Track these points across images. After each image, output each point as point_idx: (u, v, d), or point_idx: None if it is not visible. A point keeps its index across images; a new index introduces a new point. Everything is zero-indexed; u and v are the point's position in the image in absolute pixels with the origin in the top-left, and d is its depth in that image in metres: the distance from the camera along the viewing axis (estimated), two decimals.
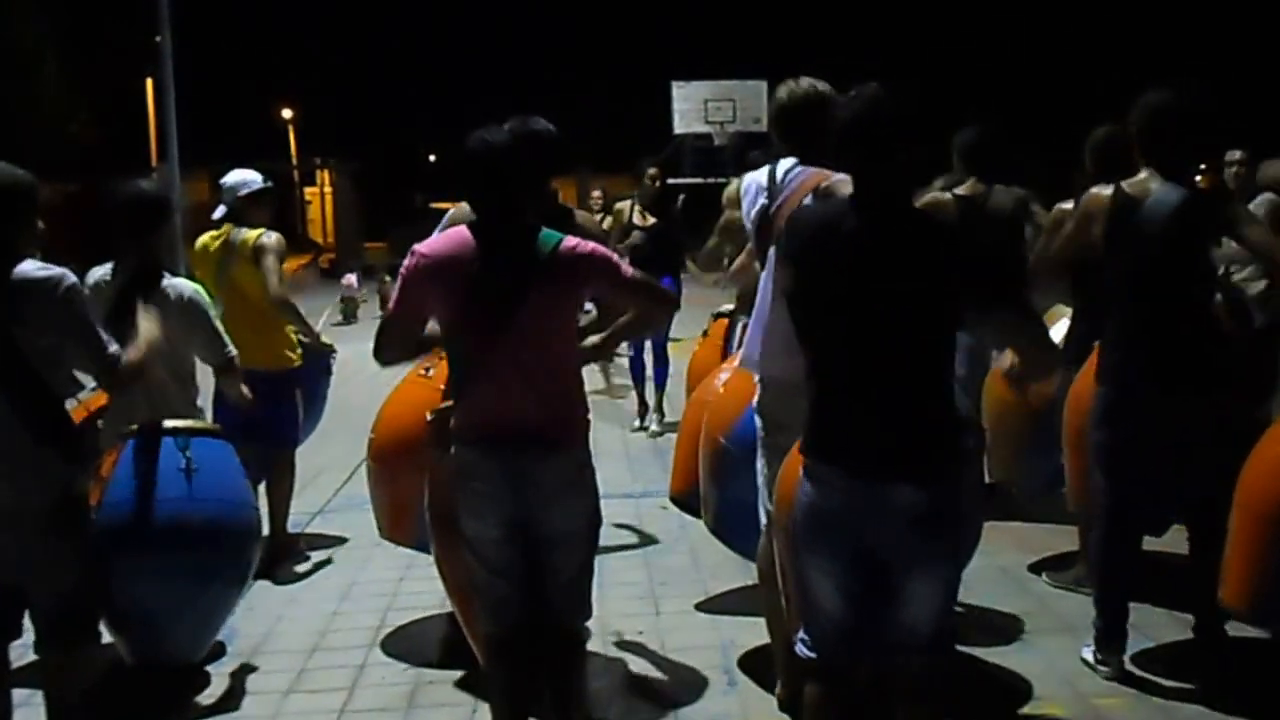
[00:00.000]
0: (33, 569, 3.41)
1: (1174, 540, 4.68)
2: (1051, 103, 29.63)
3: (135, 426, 4.29)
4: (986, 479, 5.07)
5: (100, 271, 4.59)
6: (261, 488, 5.61)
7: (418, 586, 5.30)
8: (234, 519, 4.35)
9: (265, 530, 5.07)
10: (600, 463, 3.50)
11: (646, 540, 6.18)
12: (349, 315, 18.97)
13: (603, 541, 3.57)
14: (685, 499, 5.06)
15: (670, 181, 12.27)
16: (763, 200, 3.87)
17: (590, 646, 3.74)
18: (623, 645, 4.71)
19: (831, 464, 2.92)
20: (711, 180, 21.77)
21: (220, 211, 5.89)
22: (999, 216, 5.83)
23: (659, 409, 9.08)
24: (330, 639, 4.94)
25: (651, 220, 9.05)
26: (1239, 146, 6.78)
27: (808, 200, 3.63)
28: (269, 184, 5.99)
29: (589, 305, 3.70)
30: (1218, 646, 4.22)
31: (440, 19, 52.64)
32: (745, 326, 5.26)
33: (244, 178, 5.90)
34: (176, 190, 13.54)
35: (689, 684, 4.33)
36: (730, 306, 6.38)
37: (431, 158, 48.59)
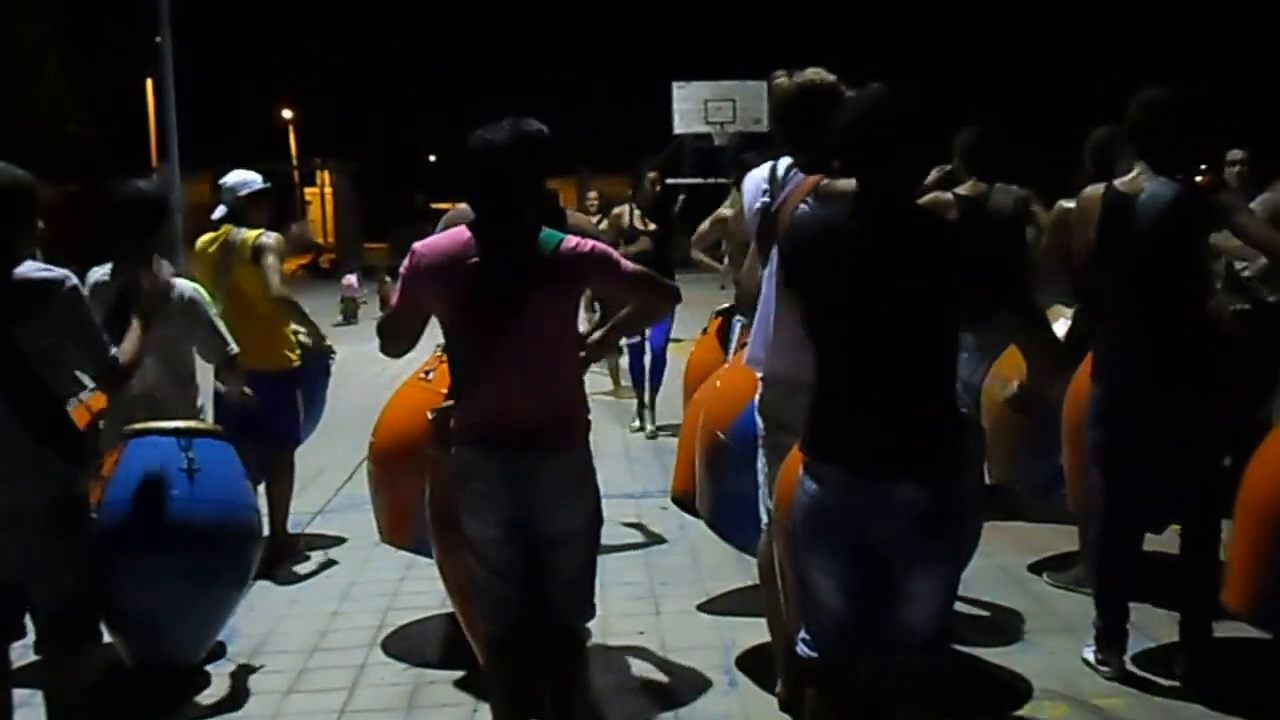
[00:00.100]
0: (33, 569, 3.41)
1: (1174, 540, 4.66)
2: (1051, 103, 29.62)
3: (136, 427, 4.29)
4: (987, 480, 5.07)
5: (100, 271, 4.59)
6: (261, 487, 5.62)
7: (418, 586, 5.30)
8: (235, 520, 4.35)
9: (265, 531, 5.06)
10: (601, 463, 3.50)
11: (646, 540, 6.18)
12: (349, 315, 18.99)
13: (603, 541, 3.57)
14: (686, 499, 5.05)
15: (670, 181, 12.28)
16: (764, 198, 3.86)
17: (590, 646, 3.73)
18: (623, 645, 4.71)
19: (832, 462, 2.93)
20: (711, 180, 21.79)
21: (220, 212, 5.89)
22: (1000, 216, 5.82)
23: (651, 407, 9.07)
24: (330, 639, 4.94)
25: (652, 226, 9.07)
26: (1240, 146, 6.78)
27: (808, 199, 3.62)
28: (269, 184, 5.99)
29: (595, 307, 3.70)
30: (1206, 646, 4.21)
31: (440, 19, 52.67)
32: (743, 326, 5.28)
33: (244, 178, 5.90)
34: (176, 190, 13.55)
35: (689, 684, 4.33)
36: (730, 305, 6.37)
37: (431, 158, 48.62)
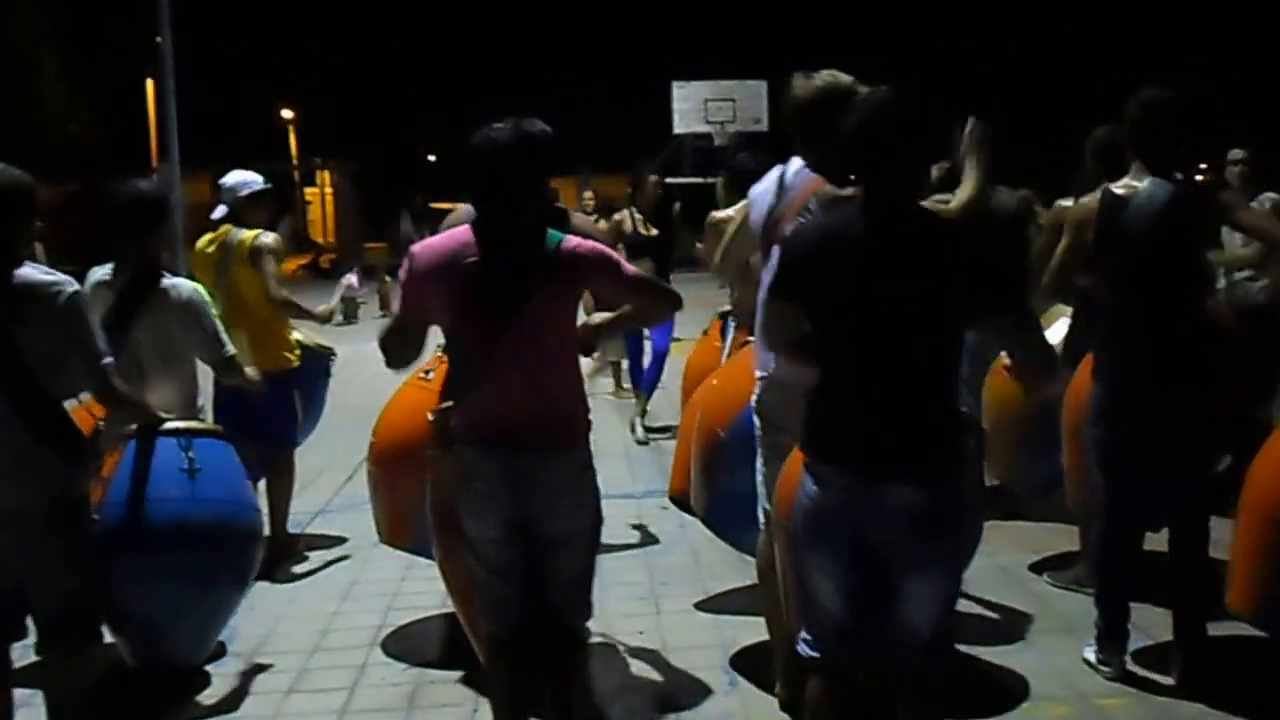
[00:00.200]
0: (33, 569, 3.41)
1: None
2: (1051, 103, 29.61)
3: (136, 427, 4.29)
4: (987, 480, 5.07)
5: (101, 272, 4.59)
6: (262, 487, 5.62)
7: (418, 586, 5.30)
8: (236, 520, 4.35)
9: (266, 531, 5.06)
10: (601, 463, 3.50)
11: (646, 540, 6.19)
12: (349, 315, 18.98)
13: (603, 541, 3.57)
14: (684, 498, 5.06)
15: (670, 181, 12.30)
16: (770, 201, 3.87)
17: (590, 646, 3.73)
18: (623, 645, 4.71)
19: (833, 463, 2.93)
20: (711, 180, 21.77)
21: (220, 212, 5.89)
22: (1002, 217, 5.82)
23: (641, 415, 9.04)
24: (331, 639, 4.94)
25: (654, 231, 9.08)
26: (1240, 146, 6.79)
27: (809, 207, 3.63)
28: (269, 185, 5.99)
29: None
30: (1202, 646, 4.20)
31: (440, 19, 52.66)
32: (738, 326, 5.28)
33: (244, 178, 5.90)
34: (176, 190, 13.53)
35: (689, 684, 4.33)
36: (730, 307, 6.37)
37: (431, 158, 48.59)
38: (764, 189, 3.93)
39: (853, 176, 3.11)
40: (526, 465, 3.28)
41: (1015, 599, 5.08)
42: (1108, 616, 4.25)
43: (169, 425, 4.31)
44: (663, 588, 5.44)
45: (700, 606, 5.16)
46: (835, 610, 2.98)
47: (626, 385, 9.93)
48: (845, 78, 3.76)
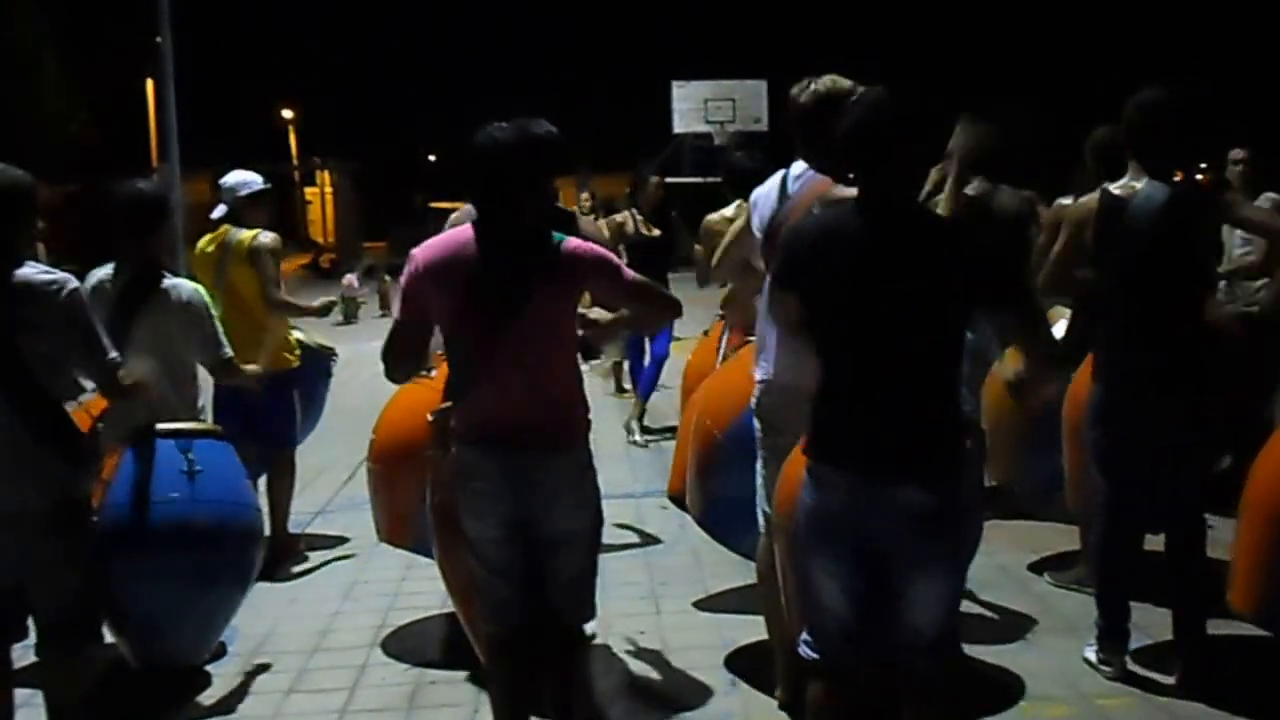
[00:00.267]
0: (34, 570, 3.41)
1: None
2: (1051, 103, 29.60)
3: (137, 428, 4.29)
4: (987, 480, 5.07)
5: (102, 272, 4.59)
6: (262, 486, 5.62)
7: (419, 586, 5.30)
8: (236, 520, 4.35)
9: (266, 531, 5.06)
10: (601, 463, 3.50)
11: (647, 540, 6.18)
12: (349, 315, 18.99)
13: (603, 541, 3.57)
14: (683, 498, 5.05)
15: (670, 180, 12.31)
16: (773, 204, 3.86)
17: (590, 646, 3.73)
18: (623, 645, 4.71)
19: (835, 465, 2.93)
20: (711, 180, 21.77)
21: (220, 211, 5.89)
22: (1003, 217, 5.82)
23: (639, 418, 9.04)
24: (331, 639, 4.94)
25: (656, 232, 9.09)
26: (1240, 146, 6.78)
27: (815, 206, 3.63)
28: (269, 185, 5.99)
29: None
30: (1202, 646, 4.20)
31: (440, 19, 52.69)
32: (733, 328, 5.28)
33: (244, 178, 5.90)
34: (176, 190, 13.54)
35: (689, 684, 4.33)
36: None
37: (431, 158, 48.62)
38: (766, 192, 3.93)
39: (850, 176, 3.11)
40: (526, 465, 3.28)
41: (1015, 599, 5.08)
42: (1108, 616, 4.25)
43: (169, 426, 4.31)
44: (663, 588, 5.44)
45: (700, 606, 5.16)
46: (838, 612, 2.98)
47: (627, 385, 9.93)
48: (846, 82, 3.76)
